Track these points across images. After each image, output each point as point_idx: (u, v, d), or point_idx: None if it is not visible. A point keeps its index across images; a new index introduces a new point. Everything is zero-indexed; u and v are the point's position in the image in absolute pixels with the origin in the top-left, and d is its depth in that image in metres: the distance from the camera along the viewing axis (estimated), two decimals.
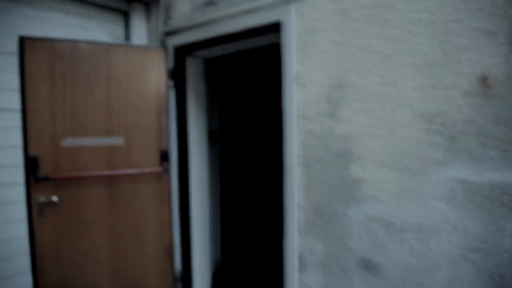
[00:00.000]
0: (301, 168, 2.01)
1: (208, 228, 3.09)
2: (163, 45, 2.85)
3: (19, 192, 2.35)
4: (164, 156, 2.70)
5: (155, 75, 2.70)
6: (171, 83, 2.79)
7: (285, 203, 2.09)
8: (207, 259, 3.05)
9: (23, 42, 2.31)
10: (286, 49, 2.07)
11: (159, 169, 2.69)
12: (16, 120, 2.31)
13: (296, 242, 2.01)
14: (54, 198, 2.37)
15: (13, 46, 2.32)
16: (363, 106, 1.75)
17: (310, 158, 1.96)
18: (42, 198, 2.35)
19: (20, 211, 2.37)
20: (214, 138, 3.47)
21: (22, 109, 2.30)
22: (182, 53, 2.82)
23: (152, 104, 2.70)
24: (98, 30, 2.83)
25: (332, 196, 1.86)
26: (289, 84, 2.08)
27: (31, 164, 2.30)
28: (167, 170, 2.71)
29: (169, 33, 2.82)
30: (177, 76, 2.81)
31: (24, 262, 2.39)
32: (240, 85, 4.09)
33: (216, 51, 2.75)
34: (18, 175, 2.34)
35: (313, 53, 1.92)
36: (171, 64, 2.79)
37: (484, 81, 1.48)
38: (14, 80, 2.32)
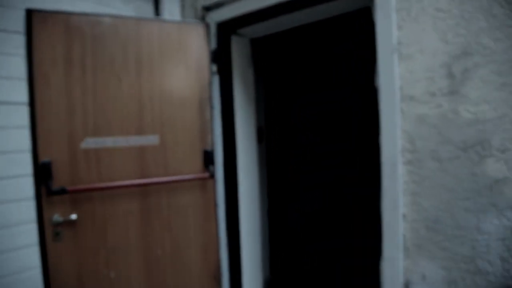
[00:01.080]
0: (407, 167, 1.57)
1: (259, 244, 2.49)
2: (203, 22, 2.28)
3: (27, 210, 1.78)
4: (208, 158, 2.12)
5: (195, 57, 2.13)
6: (215, 67, 2.21)
7: (383, 214, 1.58)
8: (258, 281, 2.45)
9: (31, 17, 1.76)
10: (381, 11, 1.56)
11: (203, 174, 2.11)
12: (21, 116, 1.75)
13: (400, 265, 1.56)
14: (73, 216, 1.81)
15: (19, 24, 1.77)
16: (504, 79, 1.32)
17: (421, 154, 1.53)
18: (57, 217, 1.78)
19: (29, 235, 1.81)
20: (260, 135, 2.88)
21: (29, 102, 1.75)
22: (226, 31, 2.25)
23: (193, 93, 2.13)
24: (122, 7, 2.28)
25: (457, 204, 1.45)
26: (386, 56, 1.56)
27: (42, 173, 1.74)
28: (213, 176, 2.12)
29: (209, 7, 2.26)
30: (221, 59, 2.24)
31: None
32: (291, 70, 3.51)
33: (267, 26, 2.17)
34: (25, 187, 1.78)
35: (423, 14, 1.52)
36: (213, 44, 2.23)
37: None
38: (19, 65, 1.76)
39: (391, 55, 1.55)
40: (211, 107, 2.22)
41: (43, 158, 1.77)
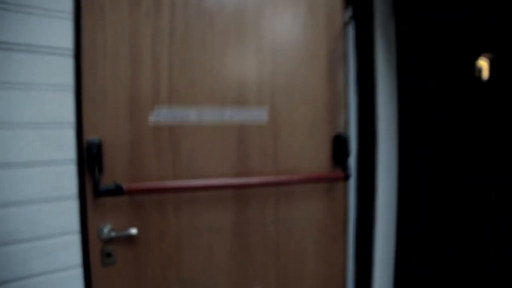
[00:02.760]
0: None
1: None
2: None
3: (67, 215, 1.08)
4: (342, 149, 1.30)
5: None
6: (349, 13, 1.34)
7: None
8: None
9: None
10: None
11: (334, 173, 1.27)
12: (61, 70, 1.03)
13: None
14: (132, 231, 1.09)
15: None
16: None
17: None
18: (108, 230, 1.09)
19: (68, 251, 1.11)
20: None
21: (74, 50, 1.02)
22: None
23: (319, 46, 1.29)
24: None
25: None
26: None
27: (88, 159, 1.05)
28: (348, 177, 1.28)
29: None
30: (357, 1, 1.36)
31: None
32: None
33: None
34: (64, 181, 1.07)
35: None
36: None
37: None
38: None
39: None
40: (346, 69, 1.36)
41: (90, 135, 1.05)
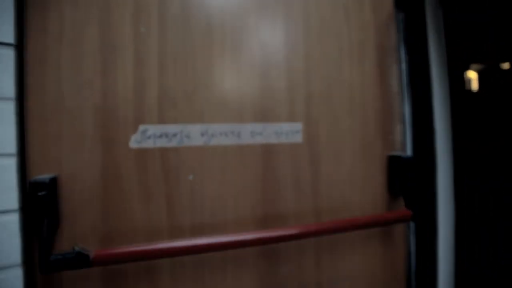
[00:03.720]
0: None
1: None
2: None
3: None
4: (400, 174, 0.90)
5: None
6: None
7: None
8: None
9: None
10: None
11: (395, 212, 0.89)
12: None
13: None
14: None
15: None
16: None
17: None
18: None
19: None
20: None
21: (16, 37, 0.63)
22: None
23: (366, 37, 0.93)
24: None
25: None
26: None
27: (34, 211, 0.62)
28: (416, 217, 0.89)
29: None
30: None
31: None
32: None
33: None
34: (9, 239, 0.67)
35: None
36: None
37: None
38: None
39: None
40: (399, 67, 1.00)
41: (41, 170, 0.66)
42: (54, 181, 0.69)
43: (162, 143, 0.76)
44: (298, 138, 0.87)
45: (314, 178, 0.89)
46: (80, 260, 0.66)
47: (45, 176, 0.69)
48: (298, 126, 0.88)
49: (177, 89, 0.78)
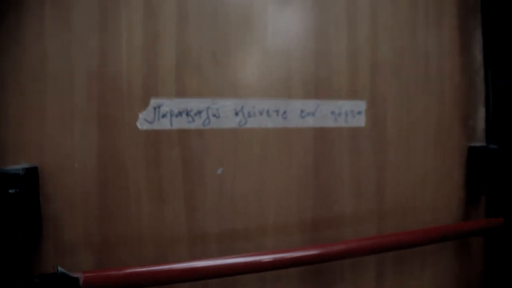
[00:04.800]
0: None
1: None
2: None
3: None
4: (484, 170, 0.67)
5: None
6: None
7: None
8: None
9: None
10: None
11: (476, 224, 0.66)
12: None
13: None
14: None
15: None
16: None
17: None
18: None
19: None
20: None
21: None
22: None
23: None
24: None
25: None
26: None
27: (6, 215, 0.43)
28: (506, 226, 0.66)
29: None
30: None
31: None
32: None
33: None
34: None
35: None
36: None
37: None
38: None
39: None
40: (483, 31, 0.76)
41: (14, 158, 0.45)
42: (32, 173, 0.49)
43: (181, 123, 0.55)
44: (361, 121, 0.66)
45: (378, 172, 0.67)
46: (65, 285, 0.46)
47: (19, 166, 0.49)
48: (361, 105, 0.66)
49: (202, 49, 0.56)
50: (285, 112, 0.60)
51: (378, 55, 0.67)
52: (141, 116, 0.54)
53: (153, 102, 0.54)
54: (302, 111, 0.61)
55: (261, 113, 0.59)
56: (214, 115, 0.57)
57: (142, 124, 0.54)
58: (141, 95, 0.54)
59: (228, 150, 0.58)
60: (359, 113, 0.65)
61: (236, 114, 0.58)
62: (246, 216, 0.59)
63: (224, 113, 0.57)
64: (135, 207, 0.54)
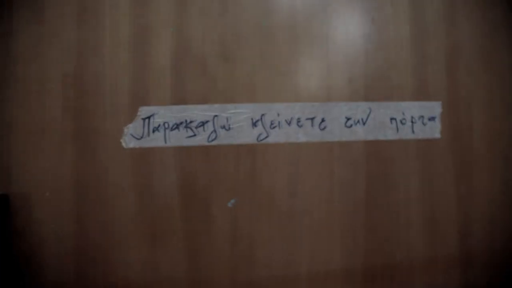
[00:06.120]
0: None
1: None
2: None
3: None
4: None
5: None
6: None
7: None
8: None
9: None
10: None
11: None
12: None
13: None
14: None
15: None
16: None
17: None
18: None
19: None
20: None
21: None
22: None
23: None
24: None
25: None
26: None
27: None
28: None
29: None
30: None
31: None
32: None
33: None
34: None
35: None
36: None
37: None
38: None
39: None
40: None
41: None
42: (2, 203, 0.38)
43: (179, 139, 0.41)
44: (435, 130, 0.46)
45: (461, 204, 0.46)
46: None
47: None
48: (436, 107, 0.46)
49: (206, 41, 0.42)
50: (323, 120, 0.43)
51: (454, 40, 0.47)
52: (126, 130, 0.41)
53: (143, 111, 0.41)
54: (348, 119, 0.44)
55: (288, 123, 0.42)
56: (223, 127, 0.42)
57: (128, 141, 0.41)
58: (128, 103, 0.41)
59: (244, 174, 0.42)
60: (432, 119, 0.46)
61: (254, 124, 0.42)
62: (268, 264, 0.43)
63: (237, 123, 0.42)
64: (121, 251, 0.41)
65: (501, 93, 0.48)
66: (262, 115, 0.43)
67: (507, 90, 0.48)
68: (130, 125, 0.41)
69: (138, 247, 0.41)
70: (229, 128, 0.42)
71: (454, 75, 0.47)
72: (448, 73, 0.47)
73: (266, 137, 0.43)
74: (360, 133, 0.44)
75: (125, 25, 0.41)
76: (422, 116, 0.46)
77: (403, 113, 0.46)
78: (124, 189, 0.41)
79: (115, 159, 0.41)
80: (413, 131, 0.46)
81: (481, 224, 0.48)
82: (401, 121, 0.45)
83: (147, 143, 0.41)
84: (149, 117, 0.41)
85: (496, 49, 0.48)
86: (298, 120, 0.43)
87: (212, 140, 0.42)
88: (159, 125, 0.41)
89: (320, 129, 0.44)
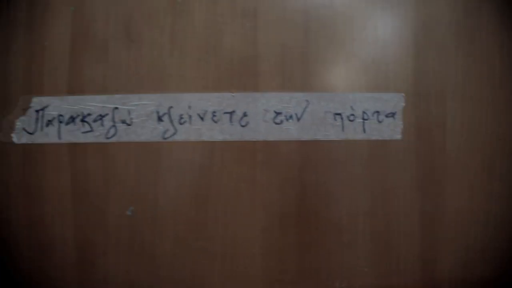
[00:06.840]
0: None
1: None
2: None
3: None
4: None
5: None
6: None
7: None
8: None
9: None
10: None
11: None
12: None
13: None
14: None
15: None
16: None
17: None
18: None
19: None
20: None
21: None
22: None
23: None
24: None
25: None
26: None
27: None
28: None
29: None
30: None
31: None
32: None
33: None
34: None
35: None
36: None
37: None
38: None
39: None
40: None
41: None
42: None
43: (74, 134, 0.36)
44: (395, 130, 0.36)
45: (425, 220, 0.36)
46: None
47: None
48: (397, 100, 0.36)
49: (110, 19, 0.36)
50: (245, 114, 0.35)
51: (430, 9, 0.37)
52: (19, 124, 0.36)
53: (36, 102, 0.36)
54: (277, 113, 0.35)
55: (202, 117, 0.35)
56: (123, 121, 0.35)
57: (19, 135, 0.36)
58: (18, 92, 0.36)
59: (146, 178, 0.36)
60: (391, 115, 0.36)
61: (160, 119, 0.35)
62: (174, 284, 0.36)
63: (140, 117, 0.35)
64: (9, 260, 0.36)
65: (483, 82, 0.37)
66: (170, 107, 0.36)
67: (491, 79, 0.37)
68: (23, 117, 0.36)
69: (29, 257, 0.36)
70: (131, 123, 0.36)
71: (422, 59, 0.37)
72: (415, 56, 0.37)
73: (174, 134, 0.36)
74: (292, 132, 0.36)
75: (17, 4, 0.36)
76: (378, 112, 0.36)
77: (352, 108, 0.36)
78: (14, 188, 0.36)
79: (4, 156, 0.36)
80: (364, 130, 0.36)
81: (452, 248, 0.37)
82: (348, 118, 0.36)
83: (39, 138, 0.36)
84: (42, 109, 0.36)
85: (479, 27, 0.37)
86: (214, 114, 0.36)
87: (111, 137, 0.36)
88: (53, 118, 0.36)
89: (241, 126, 0.36)
